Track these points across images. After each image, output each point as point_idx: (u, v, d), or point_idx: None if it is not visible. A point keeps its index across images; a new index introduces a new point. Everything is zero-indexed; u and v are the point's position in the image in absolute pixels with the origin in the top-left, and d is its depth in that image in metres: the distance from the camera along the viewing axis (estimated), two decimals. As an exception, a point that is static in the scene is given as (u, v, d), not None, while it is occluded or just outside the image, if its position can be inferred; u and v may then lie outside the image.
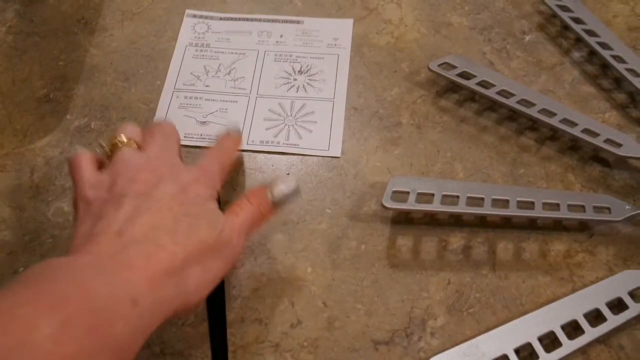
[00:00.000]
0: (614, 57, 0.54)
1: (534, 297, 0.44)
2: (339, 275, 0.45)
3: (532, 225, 0.47)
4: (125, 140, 0.36)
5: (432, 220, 0.47)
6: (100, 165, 0.37)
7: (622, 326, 0.42)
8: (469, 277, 0.45)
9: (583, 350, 0.41)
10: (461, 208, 0.45)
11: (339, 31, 0.58)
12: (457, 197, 0.45)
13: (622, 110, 0.53)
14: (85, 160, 0.36)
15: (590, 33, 0.56)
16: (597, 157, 0.50)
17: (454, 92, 0.55)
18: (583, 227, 0.47)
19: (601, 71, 0.56)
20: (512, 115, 0.53)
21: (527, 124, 0.52)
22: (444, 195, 0.46)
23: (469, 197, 0.46)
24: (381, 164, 0.51)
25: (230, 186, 0.48)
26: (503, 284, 0.45)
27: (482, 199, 0.45)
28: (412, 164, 0.50)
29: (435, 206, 0.45)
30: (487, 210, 0.45)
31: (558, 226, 0.47)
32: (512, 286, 0.44)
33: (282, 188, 0.38)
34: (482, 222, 0.47)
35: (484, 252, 0.46)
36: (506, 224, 0.47)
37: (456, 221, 0.47)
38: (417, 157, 0.51)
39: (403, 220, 0.47)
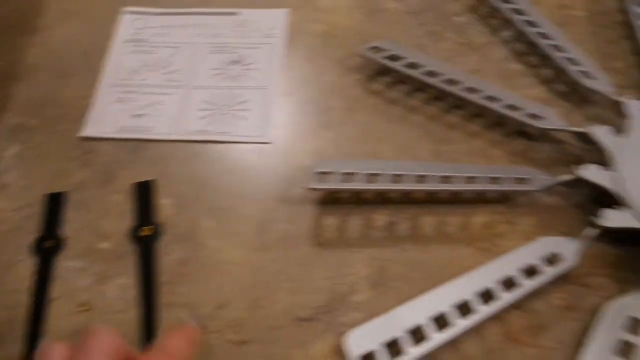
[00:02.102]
0: (540, 34, 0.55)
1: (455, 269, 0.45)
2: (267, 256, 0.46)
3: (455, 200, 0.48)
4: None
5: (358, 200, 0.49)
6: None
7: (537, 291, 0.43)
8: (392, 252, 0.46)
9: (499, 316, 0.42)
10: (383, 185, 0.46)
11: (275, 21, 0.60)
12: (380, 174, 0.46)
13: (548, 86, 0.54)
14: None
15: (518, 12, 0.57)
16: (522, 131, 0.52)
17: (385, 75, 0.56)
18: (505, 199, 0.48)
19: (529, 49, 0.57)
20: (440, 95, 0.54)
21: (455, 102, 0.54)
22: (368, 174, 0.47)
23: (393, 175, 0.47)
24: (312, 148, 0.52)
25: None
26: (425, 258, 0.46)
27: (406, 175, 0.47)
28: (341, 147, 0.52)
29: (358, 184, 0.46)
30: (409, 186, 0.46)
31: (480, 199, 0.48)
32: (434, 259, 0.46)
33: None
34: (407, 199, 0.49)
35: (408, 227, 0.47)
36: (431, 200, 0.49)
37: (382, 199, 0.49)
38: (346, 140, 0.52)
39: (330, 201, 0.49)
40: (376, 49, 0.55)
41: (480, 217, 0.47)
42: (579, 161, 0.48)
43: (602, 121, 0.50)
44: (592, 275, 0.44)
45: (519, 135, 0.51)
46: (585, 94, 0.53)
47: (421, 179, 0.47)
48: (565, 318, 0.43)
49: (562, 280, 0.43)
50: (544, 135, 0.51)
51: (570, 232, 0.45)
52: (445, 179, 0.47)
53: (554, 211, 0.47)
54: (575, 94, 0.53)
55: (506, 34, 0.58)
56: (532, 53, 0.56)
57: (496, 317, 0.42)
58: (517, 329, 0.42)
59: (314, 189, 0.46)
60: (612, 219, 0.43)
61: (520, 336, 0.42)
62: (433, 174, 0.47)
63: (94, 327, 0.32)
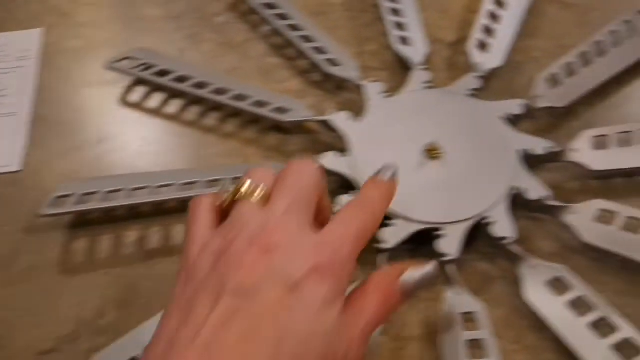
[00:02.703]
0: (290, 26, 0.55)
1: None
2: (9, 293, 0.44)
3: (209, 205, 0.47)
4: (249, 189, 0.29)
5: (110, 218, 0.47)
6: (224, 213, 0.30)
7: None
8: (143, 268, 0.45)
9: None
10: (119, 202, 0.45)
11: (28, 43, 0.57)
12: (122, 190, 0.45)
13: (304, 77, 0.55)
14: (204, 209, 0.30)
15: (270, 6, 0.57)
16: (277, 127, 0.51)
17: (144, 85, 0.54)
18: (258, 197, 0.48)
19: (286, 42, 0.57)
20: (197, 100, 0.53)
21: (212, 105, 0.53)
22: (110, 192, 0.45)
23: (134, 189, 0.46)
24: (66, 171, 0.50)
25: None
26: (174, 268, 0.44)
27: (145, 188, 0.46)
28: (98, 166, 0.51)
29: (95, 204, 0.45)
30: (143, 198, 0.45)
31: (234, 200, 0.48)
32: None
33: (414, 275, 0.30)
34: (158, 211, 0.47)
35: (158, 240, 0.46)
36: (183, 208, 0.48)
37: (134, 214, 0.47)
38: (98, 159, 0.51)
39: (81, 223, 0.47)
40: (129, 59, 0.54)
41: (232, 219, 0.47)
42: (329, 149, 0.48)
43: (351, 107, 0.51)
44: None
45: (274, 131, 0.51)
46: (338, 82, 0.53)
47: (157, 189, 0.46)
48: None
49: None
50: (296, 128, 0.51)
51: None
52: (189, 185, 0.46)
53: (305, 202, 0.47)
54: (329, 83, 0.54)
55: (265, 29, 0.58)
56: (289, 46, 0.56)
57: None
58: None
59: (48, 215, 0.44)
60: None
61: None
62: (176, 181, 0.46)
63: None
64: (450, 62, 0.55)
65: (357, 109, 0.50)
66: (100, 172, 0.50)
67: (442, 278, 0.42)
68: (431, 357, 0.40)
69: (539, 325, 0.40)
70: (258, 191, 0.29)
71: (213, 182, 0.46)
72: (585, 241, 0.43)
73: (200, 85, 0.52)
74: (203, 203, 0.31)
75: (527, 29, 0.56)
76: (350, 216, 0.30)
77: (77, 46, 0.58)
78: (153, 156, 0.50)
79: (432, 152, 0.45)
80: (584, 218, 0.43)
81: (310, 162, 0.31)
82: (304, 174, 0.30)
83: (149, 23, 0.59)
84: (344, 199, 0.44)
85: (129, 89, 0.55)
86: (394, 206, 0.43)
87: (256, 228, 0.27)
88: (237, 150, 0.50)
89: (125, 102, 0.54)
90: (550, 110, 0.50)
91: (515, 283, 0.41)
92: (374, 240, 0.42)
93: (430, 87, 0.50)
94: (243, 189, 0.29)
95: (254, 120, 0.52)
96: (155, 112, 0.53)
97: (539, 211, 0.45)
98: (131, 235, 0.47)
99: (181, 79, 0.52)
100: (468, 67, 0.51)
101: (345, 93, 0.53)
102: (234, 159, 0.50)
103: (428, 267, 0.31)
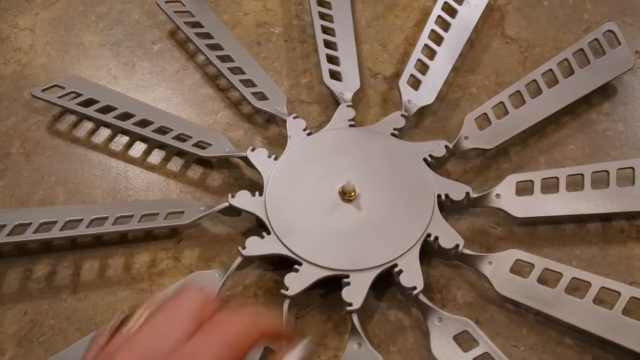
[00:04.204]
0: (221, 57, 0.54)
1: (109, 314, 0.43)
2: None
3: (122, 240, 0.47)
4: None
5: (21, 251, 0.46)
6: None
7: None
8: (47, 304, 0.44)
9: None
10: (27, 235, 0.44)
11: (-38, 66, 0.56)
12: (30, 224, 0.44)
13: (234, 108, 0.54)
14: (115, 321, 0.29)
15: (205, 36, 0.56)
16: (203, 160, 0.50)
17: (72, 113, 0.54)
18: (174, 233, 0.47)
19: (220, 72, 0.56)
20: (124, 130, 0.52)
21: (137, 136, 0.52)
22: (19, 225, 0.45)
23: (43, 223, 0.45)
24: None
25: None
26: (81, 306, 0.44)
27: (55, 222, 0.45)
28: (13, 195, 0.49)
29: (1, 238, 0.44)
30: (53, 234, 0.44)
31: (148, 236, 0.47)
32: (90, 306, 0.44)
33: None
34: (72, 245, 0.47)
35: (68, 275, 0.45)
36: (97, 242, 0.47)
37: (45, 248, 0.46)
38: (19, 187, 0.50)
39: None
40: (56, 87, 0.53)
41: (144, 256, 0.46)
42: (252, 185, 0.47)
43: (279, 142, 0.50)
44: (248, 305, 0.43)
45: (198, 164, 0.50)
46: (268, 116, 0.52)
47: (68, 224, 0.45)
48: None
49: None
50: (221, 162, 0.50)
51: (230, 262, 0.43)
52: (98, 221, 0.45)
53: (221, 241, 0.46)
54: (259, 116, 0.53)
55: (201, 58, 0.57)
56: (222, 76, 0.55)
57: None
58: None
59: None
60: (253, 247, 0.42)
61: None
62: (86, 217, 0.45)
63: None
64: (386, 97, 0.53)
65: (284, 143, 0.48)
66: (13, 203, 0.49)
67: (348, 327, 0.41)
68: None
69: (446, 379, 0.39)
70: (135, 319, 0.28)
71: (122, 219, 0.45)
72: (500, 293, 0.41)
73: (125, 116, 0.51)
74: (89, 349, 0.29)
75: (468, 63, 0.55)
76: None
77: (11, 71, 0.57)
78: (67, 187, 0.49)
79: (346, 194, 0.44)
80: (500, 268, 0.42)
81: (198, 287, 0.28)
82: (184, 297, 0.28)
83: (86, 50, 0.58)
84: (252, 240, 0.42)
85: (59, 117, 0.54)
86: (301, 251, 0.42)
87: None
88: (159, 184, 0.49)
89: (52, 131, 0.53)
90: (480, 151, 0.49)
91: (426, 334, 0.40)
92: (281, 282, 0.41)
93: (353, 125, 0.48)
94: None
95: (179, 153, 0.51)
96: (78, 141, 0.52)
97: (457, 259, 0.44)
98: (40, 269, 0.46)
99: (106, 109, 0.51)
100: (401, 104, 0.50)
101: (275, 127, 0.52)
102: (154, 194, 0.49)
103: (302, 347, 0.29)
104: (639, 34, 0.55)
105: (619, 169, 0.45)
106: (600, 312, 0.39)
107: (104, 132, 0.53)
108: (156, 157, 0.51)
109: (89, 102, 0.52)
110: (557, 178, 0.45)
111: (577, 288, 0.40)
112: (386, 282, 0.42)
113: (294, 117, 0.49)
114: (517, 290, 0.41)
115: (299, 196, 0.45)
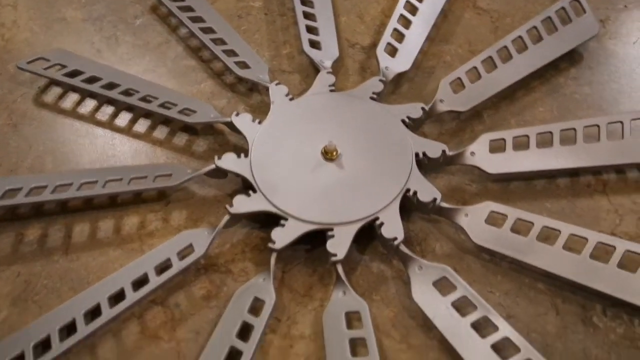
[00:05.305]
0: (204, 29, 0.55)
1: (102, 273, 0.45)
2: None
3: (112, 204, 0.48)
4: None
5: (12, 216, 0.47)
6: None
7: (177, 285, 0.43)
8: (40, 265, 0.45)
9: (140, 315, 0.42)
10: (19, 199, 0.45)
11: (-55, 41, 0.57)
12: (20, 189, 0.45)
13: (217, 79, 0.55)
14: None
15: (188, 9, 0.57)
16: (188, 128, 0.52)
17: (58, 85, 0.55)
18: (162, 196, 0.48)
19: (203, 44, 0.57)
20: (110, 101, 0.53)
21: (123, 106, 0.53)
22: (10, 190, 0.46)
23: (35, 187, 0.46)
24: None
25: None
26: (73, 266, 0.45)
27: (46, 186, 0.46)
28: (1, 164, 0.50)
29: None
30: (45, 197, 0.45)
31: (137, 200, 0.48)
32: (82, 266, 0.45)
33: None
34: (62, 209, 0.48)
35: (59, 238, 0.46)
36: (87, 207, 0.48)
37: (36, 212, 0.47)
38: (8, 156, 0.51)
39: (-21, 221, 0.47)
40: (42, 60, 0.54)
41: (134, 218, 0.47)
42: (236, 150, 0.49)
43: (262, 109, 0.51)
44: (235, 261, 0.45)
45: (184, 132, 0.52)
46: (251, 84, 0.54)
47: (64, 187, 0.46)
48: (203, 307, 0.43)
49: (204, 269, 0.44)
50: (206, 129, 0.51)
51: (218, 222, 0.45)
52: (89, 185, 0.46)
53: (208, 203, 0.48)
54: (241, 85, 0.54)
55: (183, 31, 0.58)
56: (205, 48, 0.56)
57: (138, 317, 0.42)
58: (156, 326, 0.42)
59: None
60: (241, 204, 0.44)
61: (158, 332, 0.42)
62: (75, 181, 0.46)
63: None
64: (364, 66, 0.55)
65: (267, 110, 0.50)
66: (2, 172, 0.50)
67: (333, 278, 0.43)
68: (318, 355, 0.40)
69: (427, 324, 0.41)
70: None
71: (111, 182, 0.46)
72: (475, 243, 0.43)
73: (110, 86, 0.52)
74: None
75: (442, 34, 0.57)
76: None
77: (-5, 46, 0.58)
78: (55, 155, 0.51)
79: (328, 154, 0.46)
80: (475, 220, 0.44)
81: None
82: None
83: (68, 24, 0.59)
84: (239, 199, 0.44)
85: (44, 89, 0.55)
86: (287, 207, 0.44)
87: None
88: (146, 153, 0.51)
89: (38, 102, 0.54)
90: (454, 113, 0.51)
91: (407, 283, 0.42)
92: (268, 239, 0.43)
93: (333, 91, 0.50)
94: None
95: (165, 122, 0.52)
96: (66, 112, 0.53)
97: (435, 213, 0.46)
98: (31, 233, 0.47)
99: (91, 80, 0.52)
100: (379, 71, 0.52)
101: (257, 95, 0.54)
102: (141, 161, 0.50)
103: None
104: (602, 3, 0.58)
105: (585, 127, 0.47)
106: (570, 258, 0.42)
107: (90, 103, 0.54)
108: (142, 125, 0.52)
109: (74, 74, 0.53)
110: (527, 136, 0.48)
111: (548, 236, 0.43)
112: (368, 236, 0.44)
113: (277, 84, 0.51)
114: (491, 239, 0.43)
115: (283, 156, 0.46)
